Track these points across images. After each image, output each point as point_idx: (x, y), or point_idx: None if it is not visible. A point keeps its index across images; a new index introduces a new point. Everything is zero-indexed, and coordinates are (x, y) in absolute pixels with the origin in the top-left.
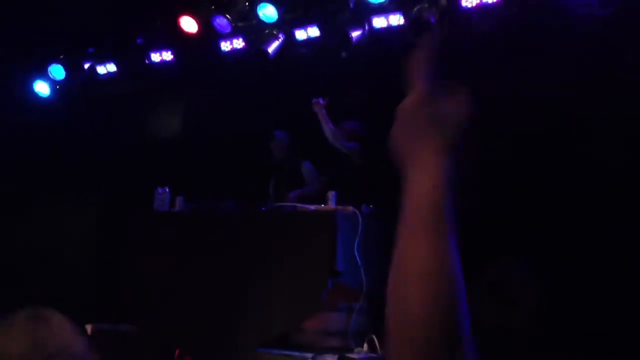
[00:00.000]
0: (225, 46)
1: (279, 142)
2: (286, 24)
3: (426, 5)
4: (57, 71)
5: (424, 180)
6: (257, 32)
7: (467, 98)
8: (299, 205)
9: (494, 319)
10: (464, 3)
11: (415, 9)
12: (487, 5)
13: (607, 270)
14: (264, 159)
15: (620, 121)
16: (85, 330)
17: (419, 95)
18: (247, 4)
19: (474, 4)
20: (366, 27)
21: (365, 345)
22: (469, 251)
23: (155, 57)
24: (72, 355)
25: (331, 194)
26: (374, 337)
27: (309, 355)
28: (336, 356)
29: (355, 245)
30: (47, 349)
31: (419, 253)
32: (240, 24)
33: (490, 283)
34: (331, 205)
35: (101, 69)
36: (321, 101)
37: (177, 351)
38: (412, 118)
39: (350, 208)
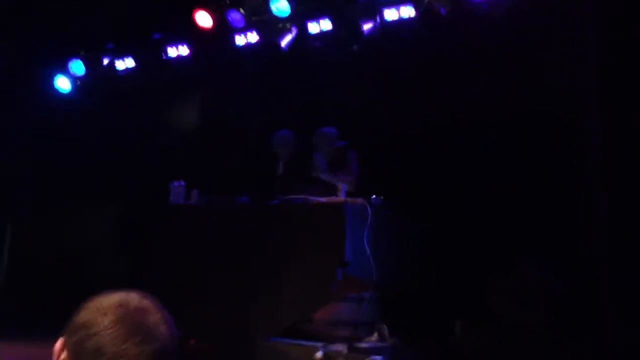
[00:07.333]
0: (240, 40)
1: (284, 143)
2: (299, 17)
3: None
4: (77, 67)
5: None
6: (270, 26)
7: None
8: (310, 197)
9: (513, 316)
10: None
11: (426, 0)
12: None
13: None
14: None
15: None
16: None
17: None
18: None
19: None
20: (377, 20)
21: (375, 335)
22: (489, 252)
23: (172, 51)
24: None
25: (341, 186)
26: (383, 326)
27: (320, 344)
28: (346, 345)
29: (365, 236)
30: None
31: None
32: (254, 18)
33: (509, 281)
34: (341, 196)
35: (120, 64)
36: None
37: (192, 340)
38: None
39: (360, 199)
